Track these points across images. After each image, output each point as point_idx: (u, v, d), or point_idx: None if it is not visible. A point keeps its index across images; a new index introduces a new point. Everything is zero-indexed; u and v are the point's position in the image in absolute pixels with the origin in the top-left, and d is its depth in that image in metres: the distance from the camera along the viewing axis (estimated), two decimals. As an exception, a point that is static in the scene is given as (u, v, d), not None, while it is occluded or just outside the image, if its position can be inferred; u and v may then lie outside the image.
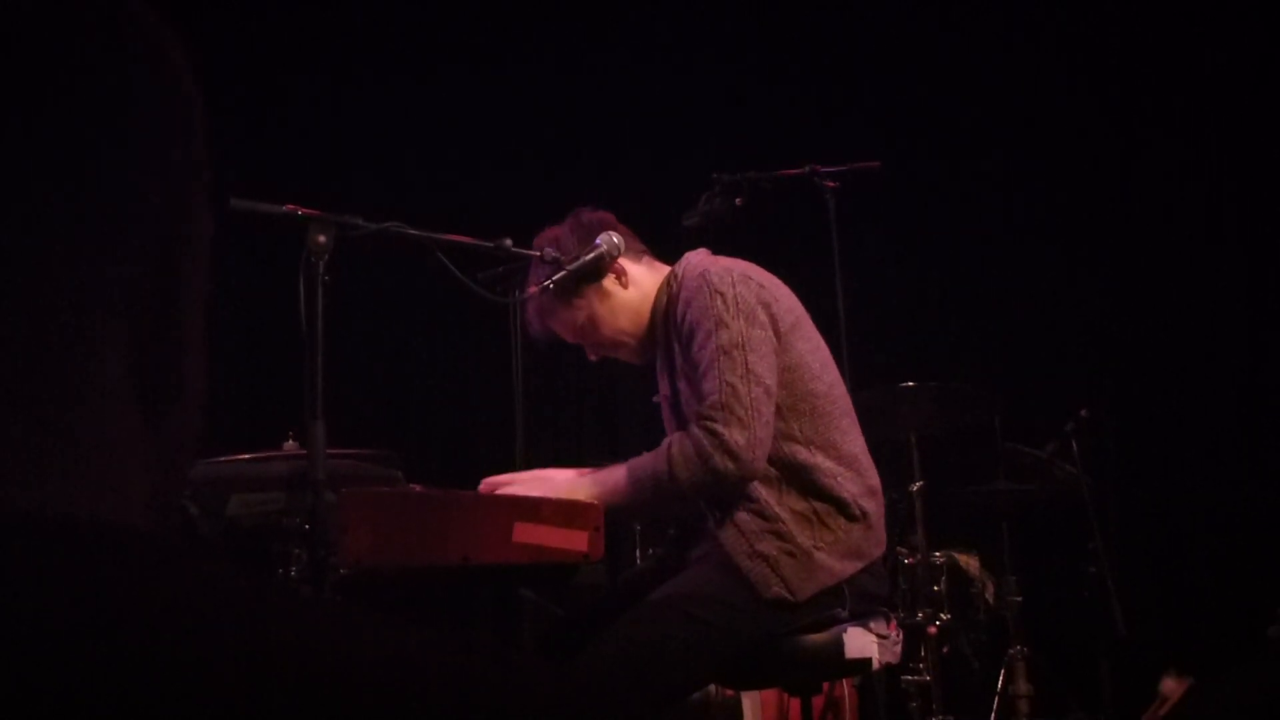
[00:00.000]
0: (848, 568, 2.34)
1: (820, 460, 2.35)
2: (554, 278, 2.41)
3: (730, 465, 2.22)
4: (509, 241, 2.35)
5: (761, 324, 2.32)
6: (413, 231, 2.23)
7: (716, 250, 2.62)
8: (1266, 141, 4.77)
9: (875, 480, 2.45)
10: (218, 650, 0.42)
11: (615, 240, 2.50)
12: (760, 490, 2.33)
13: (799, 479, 2.34)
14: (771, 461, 2.33)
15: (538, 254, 2.41)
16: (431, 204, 4.57)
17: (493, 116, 5.35)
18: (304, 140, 5.18)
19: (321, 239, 2.03)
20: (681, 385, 2.43)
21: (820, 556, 2.31)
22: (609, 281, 2.50)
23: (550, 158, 5.33)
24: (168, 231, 0.55)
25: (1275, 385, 4.67)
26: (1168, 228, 4.93)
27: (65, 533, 0.45)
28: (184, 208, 0.56)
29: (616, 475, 2.31)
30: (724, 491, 2.31)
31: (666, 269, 2.55)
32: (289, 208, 2.07)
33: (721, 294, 2.32)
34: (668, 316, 2.46)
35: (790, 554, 2.29)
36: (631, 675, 2.21)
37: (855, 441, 2.44)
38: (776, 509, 2.32)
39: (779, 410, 2.33)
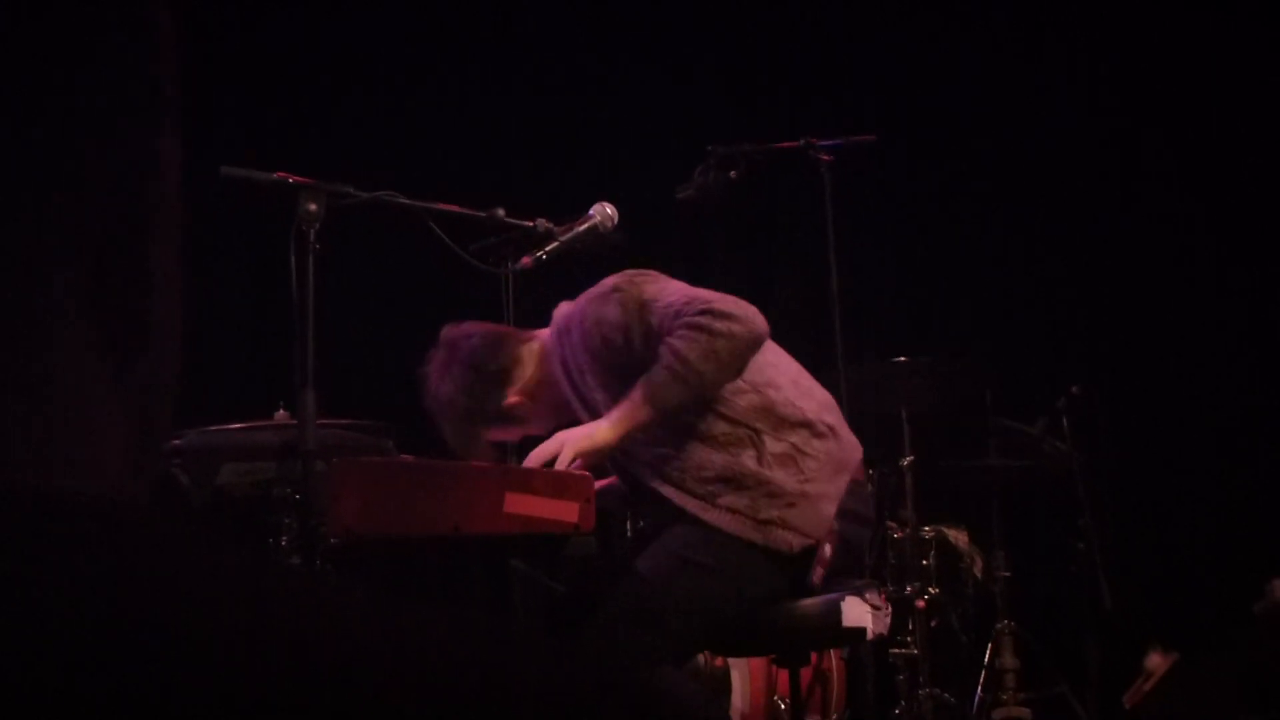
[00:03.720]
0: (839, 484, 2.39)
1: (770, 394, 2.39)
2: (546, 249, 2.41)
3: (733, 325, 2.25)
4: (501, 212, 2.35)
5: (661, 278, 2.39)
6: (404, 200, 2.23)
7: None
8: (1258, 122, 4.76)
9: (825, 394, 2.50)
10: (194, 623, 0.41)
11: (609, 211, 2.50)
12: (731, 462, 2.35)
13: (767, 419, 2.37)
14: (734, 422, 2.36)
15: (530, 224, 2.41)
16: (425, 174, 4.55)
17: (486, 87, 5.32)
18: (296, 108, 5.15)
19: (312, 207, 2.03)
20: (602, 397, 2.41)
21: (812, 488, 2.35)
22: (521, 409, 2.49)
23: (544, 129, 5.30)
24: (130, 171, 0.52)
25: (1266, 364, 4.68)
26: (1160, 205, 4.93)
27: (31, 502, 0.44)
28: (149, 148, 0.53)
29: (634, 397, 2.30)
30: (739, 357, 2.30)
31: (545, 332, 2.53)
32: (279, 175, 2.06)
33: (615, 286, 2.36)
34: (567, 364, 2.45)
35: (790, 504, 2.34)
36: (641, 631, 2.24)
37: (788, 367, 2.49)
38: (757, 469, 2.34)
39: None
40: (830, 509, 2.37)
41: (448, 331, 2.52)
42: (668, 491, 2.39)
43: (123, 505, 0.48)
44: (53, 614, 0.40)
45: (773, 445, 2.36)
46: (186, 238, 0.55)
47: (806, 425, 2.39)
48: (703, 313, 2.25)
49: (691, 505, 2.37)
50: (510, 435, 2.57)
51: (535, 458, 2.32)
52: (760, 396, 2.38)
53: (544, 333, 2.53)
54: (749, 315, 2.28)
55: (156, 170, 0.54)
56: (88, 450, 0.50)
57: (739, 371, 2.34)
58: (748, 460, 2.35)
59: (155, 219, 0.54)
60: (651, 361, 2.32)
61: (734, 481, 2.35)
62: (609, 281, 2.40)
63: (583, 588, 2.54)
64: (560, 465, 2.29)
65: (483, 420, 2.49)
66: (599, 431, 2.30)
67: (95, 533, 0.44)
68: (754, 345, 2.30)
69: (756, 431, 2.36)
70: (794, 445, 2.37)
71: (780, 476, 2.34)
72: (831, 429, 2.42)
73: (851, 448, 2.46)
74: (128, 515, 0.46)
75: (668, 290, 2.33)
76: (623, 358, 2.35)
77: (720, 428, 2.36)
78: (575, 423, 2.41)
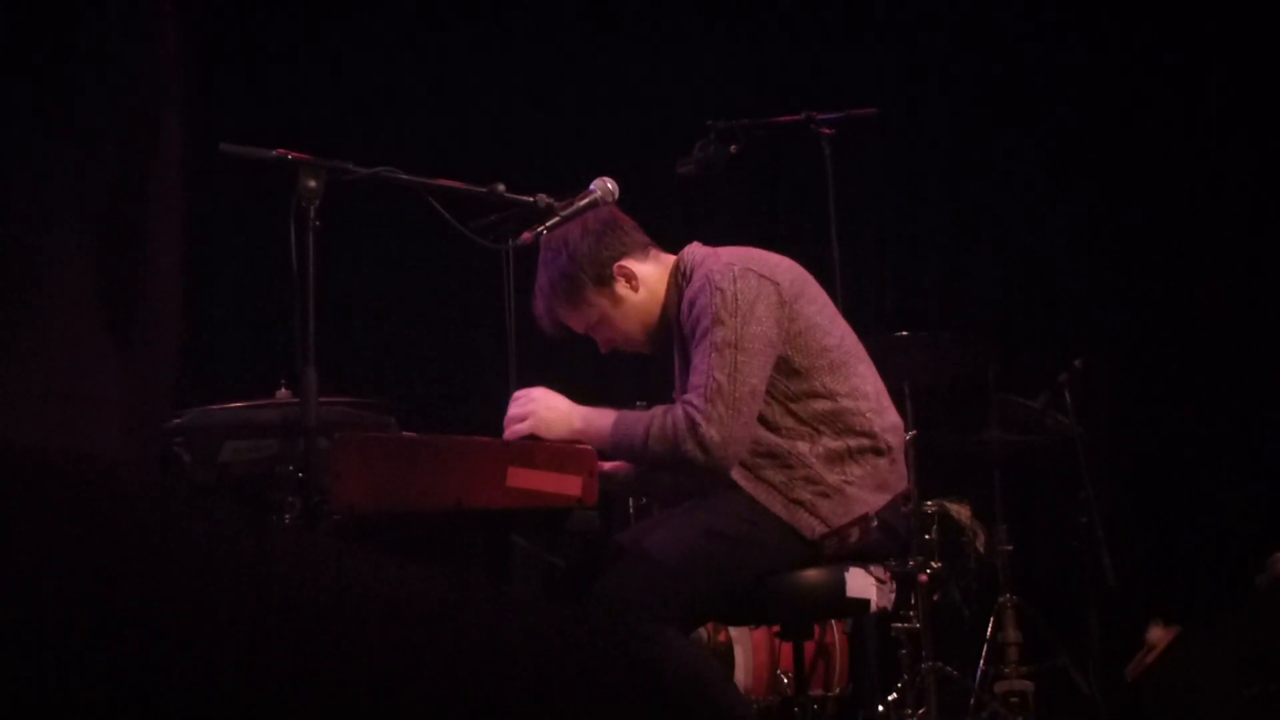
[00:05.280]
0: (878, 500, 2.46)
1: (847, 404, 2.46)
2: (547, 224, 2.40)
3: (700, 456, 2.32)
4: (502, 187, 2.34)
5: (758, 320, 2.38)
6: (404, 176, 2.22)
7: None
8: (1257, 102, 4.74)
9: (896, 417, 2.56)
10: (193, 586, 0.41)
11: (610, 186, 2.49)
12: (784, 444, 2.42)
13: (834, 424, 2.44)
14: (801, 420, 2.43)
15: (530, 199, 2.40)
16: (425, 150, 4.53)
17: (487, 62, 5.30)
18: (296, 84, 5.13)
19: (312, 184, 2.02)
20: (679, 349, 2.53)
21: (852, 490, 2.43)
22: (620, 286, 2.54)
23: (545, 105, 5.29)
24: (133, 147, 0.52)
25: (1268, 338, 4.67)
26: (1163, 178, 4.91)
27: (32, 465, 0.44)
28: (151, 123, 0.53)
29: (604, 422, 2.42)
30: (691, 476, 2.43)
31: (671, 259, 2.59)
32: (279, 152, 2.05)
33: (721, 290, 2.39)
34: (678, 315, 2.52)
35: (824, 494, 2.41)
36: (649, 593, 2.28)
37: (874, 382, 2.56)
38: (807, 455, 2.42)
39: (803, 373, 2.43)
40: (859, 511, 2.42)
41: None
42: None
43: (121, 469, 0.48)
44: (51, 578, 0.40)
45: (830, 443, 2.43)
46: (188, 214, 0.55)
47: (870, 436, 2.46)
48: (692, 423, 2.31)
49: (734, 470, 2.45)
50: (593, 317, 2.57)
51: (509, 417, 2.43)
52: (834, 404, 2.45)
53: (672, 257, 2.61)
54: (725, 457, 2.33)
55: (157, 145, 0.54)
56: (87, 421, 0.49)
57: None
58: (800, 446, 2.42)
59: (156, 195, 0.53)
60: (684, 359, 2.45)
61: (780, 459, 2.42)
62: (722, 274, 2.40)
63: (584, 563, 2.56)
64: (512, 433, 2.39)
65: (587, 269, 2.51)
66: (573, 421, 2.41)
67: (94, 497, 0.44)
68: (706, 475, 2.39)
69: (818, 430, 2.44)
70: (850, 449, 2.44)
71: (823, 468, 2.42)
72: (890, 450, 2.49)
73: (900, 477, 2.53)
74: (126, 478, 0.46)
75: (720, 353, 2.34)
76: (684, 329, 2.45)
77: (788, 421, 2.44)
78: (668, 355, 2.57)
